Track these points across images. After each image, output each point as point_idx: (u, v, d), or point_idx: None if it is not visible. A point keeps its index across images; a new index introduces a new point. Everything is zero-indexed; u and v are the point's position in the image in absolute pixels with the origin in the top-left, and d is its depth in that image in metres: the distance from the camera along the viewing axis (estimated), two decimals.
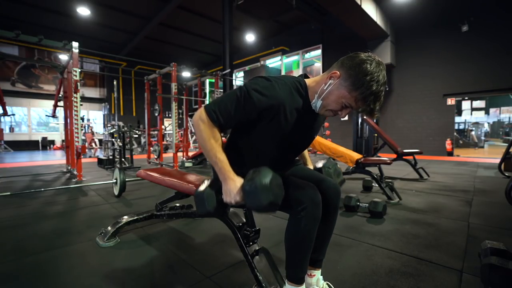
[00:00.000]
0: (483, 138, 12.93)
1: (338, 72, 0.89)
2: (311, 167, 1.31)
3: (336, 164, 1.23)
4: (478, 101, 15.16)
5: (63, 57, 10.24)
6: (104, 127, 12.70)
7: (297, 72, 11.86)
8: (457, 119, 12.79)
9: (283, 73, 12.26)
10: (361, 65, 0.85)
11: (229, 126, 0.96)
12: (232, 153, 0.99)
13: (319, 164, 1.27)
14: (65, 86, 4.80)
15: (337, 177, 1.20)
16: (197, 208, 1.00)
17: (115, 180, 2.98)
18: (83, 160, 4.84)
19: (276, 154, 1.05)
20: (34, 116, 13.59)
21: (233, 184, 0.90)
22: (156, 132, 9.36)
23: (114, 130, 6.33)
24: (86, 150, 8.95)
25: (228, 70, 7.44)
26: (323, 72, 11.13)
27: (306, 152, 1.35)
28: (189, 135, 7.98)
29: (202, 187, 1.00)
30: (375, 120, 4.86)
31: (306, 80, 1.00)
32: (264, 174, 0.85)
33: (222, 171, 0.92)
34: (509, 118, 15.73)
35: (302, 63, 11.68)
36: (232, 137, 1.09)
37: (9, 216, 2.30)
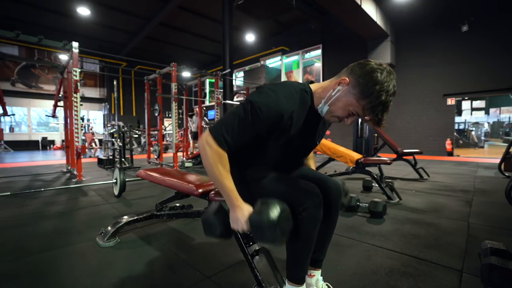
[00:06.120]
0: (483, 138, 12.94)
1: (347, 79, 0.87)
2: (314, 167, 1.30)
3: (343, 184, 1.19)
4: (478, 101, 15.15)
5: (63, 57, 10.24)
6: (104, 127, 12.70)
7: (297, 72, 11.86)
8: (457, 119, 12.79)
9: (283, 73, 12.27)
10: (372, 74, 0.83)
11: (239, 147, 0.91)
12: (234, 157, 0.96)
13: None
14: (65, 86, 4.81)
15: (345, 196, 1.19)
16: (204, 231, 0.99)
17: (115, 180, 2.98)
18: (83, 160, 4.84)
19: (280, 158, 1.05)
20: (34, 116, 13.58)
21: (241, 213, 0.89)
22: (156, 132, 9.36)
23: (114, 130, 6.34)
24: (86, 150, 8.95)
25: (228, 70, 7.43)
26: (323, 72, 11.11)
27: (311, 153, 1.33)
28: (189, 135, 7.99)
29: (209, 211, 0.98)
30: None
31: (312, 86, 0.99)
32: (272, 208, 0.83)
33: (229, 198, 0.91)
34: (509, 118, 15.73)
35: (302, 63, 11.66)
36: None
37: (9, 216, 2.30)
